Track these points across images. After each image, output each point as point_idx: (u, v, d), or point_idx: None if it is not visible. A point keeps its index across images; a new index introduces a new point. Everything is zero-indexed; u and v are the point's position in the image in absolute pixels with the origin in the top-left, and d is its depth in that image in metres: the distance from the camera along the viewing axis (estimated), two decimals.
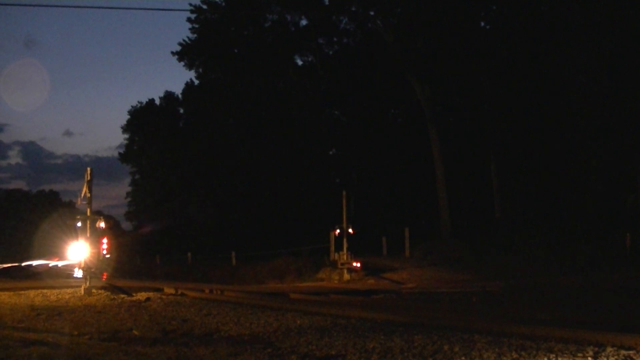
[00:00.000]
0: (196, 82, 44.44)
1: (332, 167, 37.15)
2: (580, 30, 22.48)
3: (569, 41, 23.02)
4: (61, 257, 43.45)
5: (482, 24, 31.29)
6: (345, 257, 18.93)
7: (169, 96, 50.15)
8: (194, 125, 44.45)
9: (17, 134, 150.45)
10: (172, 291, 15.30)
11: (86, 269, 14.87)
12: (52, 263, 44.47)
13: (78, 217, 15.48)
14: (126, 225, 58.89)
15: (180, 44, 40.15)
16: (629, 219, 20.11)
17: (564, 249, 19.15)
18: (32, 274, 31.95)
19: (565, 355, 5.54)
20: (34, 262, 44.33)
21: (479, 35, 29.33)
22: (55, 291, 15.12)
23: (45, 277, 24.78)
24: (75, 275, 29.42)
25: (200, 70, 41.97)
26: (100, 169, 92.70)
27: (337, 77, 35.85)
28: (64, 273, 31.40)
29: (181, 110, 49.81)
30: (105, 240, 15.56)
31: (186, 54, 40.38)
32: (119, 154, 55.24)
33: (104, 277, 18.81)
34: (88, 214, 15.03)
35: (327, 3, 34.99)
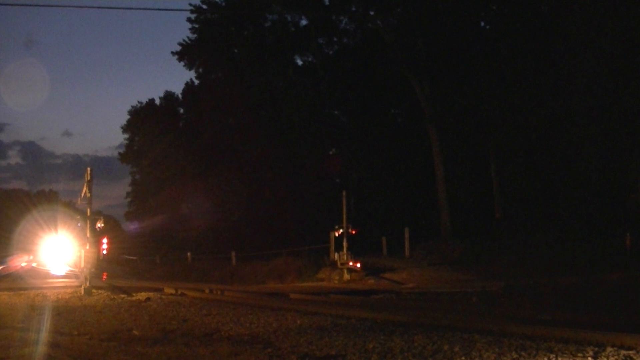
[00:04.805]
0: (196, 82, 44.41)
1: (332, 167, 37.11)
2: (580, 30, 22.46)
3: (569, 41, 23.00)
4: (35, 255, 41.22)
5: (482, 24, 31.29)
6: (345, 257, 18.92)
7: (169, 96, 50.06)
8: (194, 126, 44.40)
9: (17, 134, 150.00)
10: (172, 291, 15.32)
11: (86, 269, 14.86)
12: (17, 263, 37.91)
13: (78, 217, 15.50)
14: (126, 225, 58.82)
15: (180, 44, 40.16)
16: (629, 219, 20.09)
17: (564, 249, 19.13)
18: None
19: (565, 355, 5.55)
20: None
21: (479, 35, 29.31)
22: (55, 291, 15.12)
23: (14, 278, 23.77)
24: (53, 273, 28.52)
25: (200, 70, 41.94)
26: (100, 168, 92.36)
27: (337, 77, 35.80)
28: (41, 273, 29.52)
29: (181, 110, 49.75)
30: (105, 240, 15.57)
31: (186, 54, 40.35)
32: (119, 154, 55.14)
33: (104, 277, 18.80)
34: (88, 214, 15.03)
35: (327, 3, 34.99)
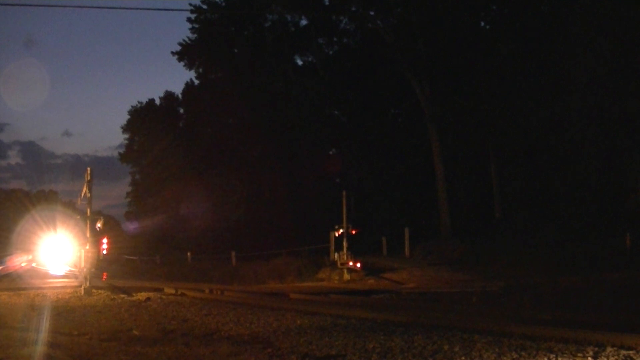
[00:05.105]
0: (196, 82, 44.42)
1: (332, 167, 37.11)
2: (580, 30, 22.46)
3: (569, 41, 23.00)
4: (34, 255, 40.81)
5: (482, 24, 31.28)
6: (345, 257, 18.91)
7: (169, 96, 50.05)
8: (193, 126, 44.40)
9: (17, 134, 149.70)
10: (172, 291, 15.32)
11: (86, 269, 14.85)
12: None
13: (78, 217, 15.49)
14: (126, 225, 58.76)
15: (180, 44, 40.19)
16: (629, 219, 20.08)
17: (564, 249, 19.13)
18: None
19: (565, 355, 5.55)
20: None
21: (479, 35, 29.30)
22: (55, 291, 15.11)
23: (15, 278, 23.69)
24: (52, 273, 28.36)
25: (200, 70, 41.95)
26: (100, 168, 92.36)
27: (337, 77, 35.79)
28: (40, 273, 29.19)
29: (181, 110, 49.76)
30: (105, 240, 15.55)
31: (186, 54, 40.37)
32: (119, 154, 55.13)
33: (104, 277, 18.78)
34: (88, 214, 15.03)
35: (327, 3, 34.99)
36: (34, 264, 38.45)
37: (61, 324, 8.87)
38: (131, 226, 50.91)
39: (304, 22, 37.17)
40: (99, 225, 14.96)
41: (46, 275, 26.76)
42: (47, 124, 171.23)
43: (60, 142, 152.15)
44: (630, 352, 5.62)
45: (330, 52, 37.83)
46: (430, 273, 19.01)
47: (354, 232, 19.23)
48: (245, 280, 23.39)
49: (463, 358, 5.64)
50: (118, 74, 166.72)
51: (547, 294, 12.08)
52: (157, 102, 50.63)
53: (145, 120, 49.93)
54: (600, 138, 22.50)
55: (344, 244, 18.96)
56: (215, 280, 24.36)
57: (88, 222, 14.94)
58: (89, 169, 15.39)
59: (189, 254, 34.85)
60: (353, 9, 33.53)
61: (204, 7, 37.39)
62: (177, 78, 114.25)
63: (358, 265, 19.08)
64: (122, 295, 13.85)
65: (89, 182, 15.09)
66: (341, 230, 19.13)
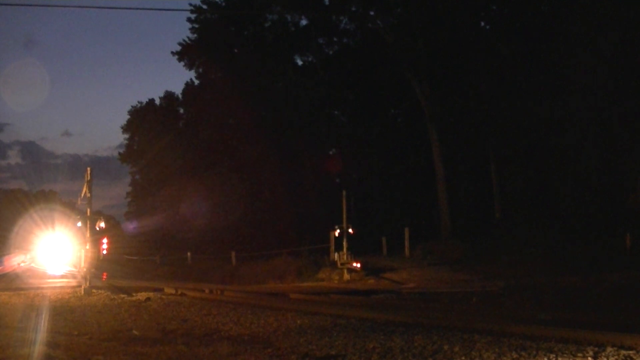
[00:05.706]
0: (196, 82, 44.41)
1: (332, 167, 37.11)
2: (580, 30, 22.45)
3: (569, 41, 23.01)
4: (33, 255, 40.19)
5: (482, 24, 31.28)
6: (345, 257, 18.92)
7: (169, 96, 50.10)
8: (193, 125, 44.39)
9: (17, 134, 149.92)
10: (172, 291, 15.33)
11: (85, 268, 14.85)
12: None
13: (78, 217, 15.50)
14: (125, 225, 58.80)
15: (180, 44, 40.17)
16: (629, 219, 20.08)
17: (564, 249, 19.12)
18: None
19: (565, 355, 5.55)
20: None
21: (479, 35, 29.30)
22: (55, 291, 15.11)
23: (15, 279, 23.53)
24: (51, 273, 28.28)
25: (200, 70, 41.95)
26: (100, 168, 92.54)
27: (337, 77, 35.79)
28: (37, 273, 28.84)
29: (181, 110, 49.77)
30: (105, 240, 15.58)
31: (186, 54, 40.36)
32: (119, 153, 55.20)
33: (104, 277, 18.79)
34: (88, 214, 15.04)
35: (327, 3, 34.97)
36: (32, 264, 38.37)
37: (61, 324, 8.87)
38: (131, 226, 50.99)
39: (304, 22, 37.18)
40: (102, 224, 14.99)
41: (45, 275, 26.74)
42: (47, 124, 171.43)
43: (60, 142, 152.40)
44: (630, 352, 5.62)
45: (330, 52, 37.82)
46: (430, 273, 19.01)
47: (352, 232, 19.24)
48: (245, 280, 23.39)
49: (463, 358, 5.64)
50: (118, 74, 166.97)
51: (547, 294, 12.08)
52: (157, 102, 50.70)
53: (145, 120, 49.97)
54: (600, 138, 22.51)
55: (344, 244, 18.97)
56: (215, 280, 24.35)
57: (88, 222, 14.95)
58: (88, 169, 15.42)
59: (189, 254, 34.85)
60: (353, 9, 33.53)
61: (204, 7, 37.39)
62: (177, 78, 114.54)
63: (358, 265, 19.08)
64: (122, 295, 13.85)
65: (89, 182, 15.11)
66: (338, 231, 19.15)
